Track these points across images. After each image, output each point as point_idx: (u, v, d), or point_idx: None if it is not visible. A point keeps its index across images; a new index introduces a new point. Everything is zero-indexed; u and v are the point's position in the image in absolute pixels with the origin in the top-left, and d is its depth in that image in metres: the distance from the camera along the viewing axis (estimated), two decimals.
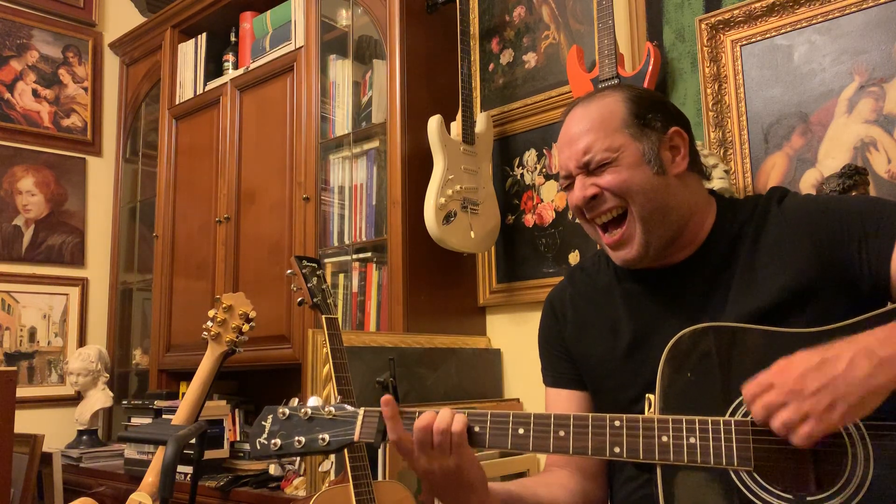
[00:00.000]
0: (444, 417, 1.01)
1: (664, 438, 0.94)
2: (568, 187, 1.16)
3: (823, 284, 1.02)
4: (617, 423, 0.97)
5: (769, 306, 1.03)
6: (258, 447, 1.08)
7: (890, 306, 0.97)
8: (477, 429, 1.02)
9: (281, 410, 1.09)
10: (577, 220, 1.19)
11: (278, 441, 1.07)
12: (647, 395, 1.02)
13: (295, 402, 1.11)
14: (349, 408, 1.08)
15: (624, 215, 1.11)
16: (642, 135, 1.11)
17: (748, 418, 0.92)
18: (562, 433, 0.99)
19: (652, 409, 0.99)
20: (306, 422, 1.08)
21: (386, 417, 1.03)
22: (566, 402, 1.25)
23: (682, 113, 1.19)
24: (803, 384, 0.85)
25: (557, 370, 1.27)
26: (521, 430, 1.01)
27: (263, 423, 1.09)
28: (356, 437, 1.05)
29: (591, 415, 0.99)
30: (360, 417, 1.06)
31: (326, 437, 1.06)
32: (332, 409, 1.08)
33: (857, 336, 0.88)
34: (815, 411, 0.83)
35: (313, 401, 1.10)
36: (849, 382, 0.83)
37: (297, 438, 1.06)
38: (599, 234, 1.15)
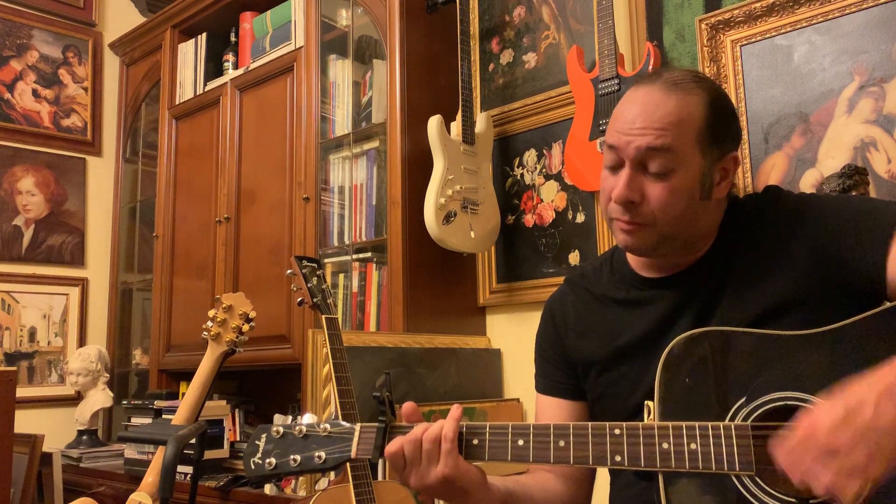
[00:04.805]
0: (435, 426, 1.00)
1: (665, 445, 0.94)
2: (612, 167, 1.08)
3: (818, 286, 1.02)
4: (617, 431, 0.96)
5: (766, 310, 1.03)
6: (253, 467, 1.05)
7: (886, 305, 0.97)
8: (475, 441, 1.01)
9: (275, 429, 1.07)
10: (600, 193, 1.13)
11: (273, 460, 1.04)
12: (646, 402, 1.01)
13: (289, 420, 1.11)
14: (345, 424, 1.06)
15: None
16: (708, 151, 1.04)
17: (748, 422, 0.92)
18: (562, 443, 0.98)
19: (651, 416, 0.99)
20: (301, 440, 1.05)
21: (403, 414, 1.04)
22: (556, 410, 1.24)
23: (740, 128, 1.12)
24: (835, 441, 0.79)
25: (551, 378, 1.26)
26: (520, 442, 1.00)
27: (257, 442, 1.06)
28: (353, 454, 1.03)
29: (590, 423, 0.98)
30: (356, 433, 1.05)
31: (323, 454, 1.04)
32: (328, 425, 1.06)
33: (873, 375, 0.83)
34: (857, 469, 0.78)
35: (308, 418, 1.09)
36: (881, 431, 0.79)
37: (292, 457, 1.04)
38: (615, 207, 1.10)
